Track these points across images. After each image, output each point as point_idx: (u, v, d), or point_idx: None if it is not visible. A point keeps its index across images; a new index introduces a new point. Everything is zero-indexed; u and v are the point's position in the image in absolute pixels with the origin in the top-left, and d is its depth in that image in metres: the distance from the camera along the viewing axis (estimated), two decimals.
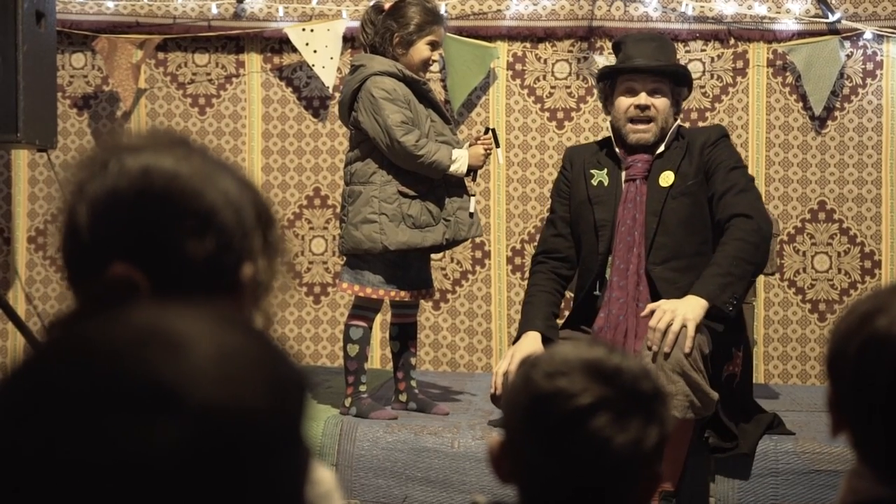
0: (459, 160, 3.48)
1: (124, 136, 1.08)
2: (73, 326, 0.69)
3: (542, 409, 1.22)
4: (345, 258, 3.62)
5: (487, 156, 3.54)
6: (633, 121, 3.30)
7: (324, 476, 1.18)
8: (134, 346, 0.65)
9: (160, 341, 0.65)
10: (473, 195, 3.63)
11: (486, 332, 4.68)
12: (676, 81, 3.34)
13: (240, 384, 0.65)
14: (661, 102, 3.29)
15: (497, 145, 3.56)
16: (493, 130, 3.58)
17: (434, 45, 3.56)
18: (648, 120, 3.29)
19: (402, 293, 3.55)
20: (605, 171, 3.37)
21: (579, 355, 1.25)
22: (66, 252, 1.06)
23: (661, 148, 3.34)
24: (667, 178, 3.28)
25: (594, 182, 3.37)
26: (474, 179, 3.64)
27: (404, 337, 3.66)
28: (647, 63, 3.31)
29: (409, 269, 3.55)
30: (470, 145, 3.55)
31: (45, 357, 0.67)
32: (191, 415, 0.63)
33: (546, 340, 3.18)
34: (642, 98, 3.29)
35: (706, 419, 3.16)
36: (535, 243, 4.69)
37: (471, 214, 3.57)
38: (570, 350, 1.27)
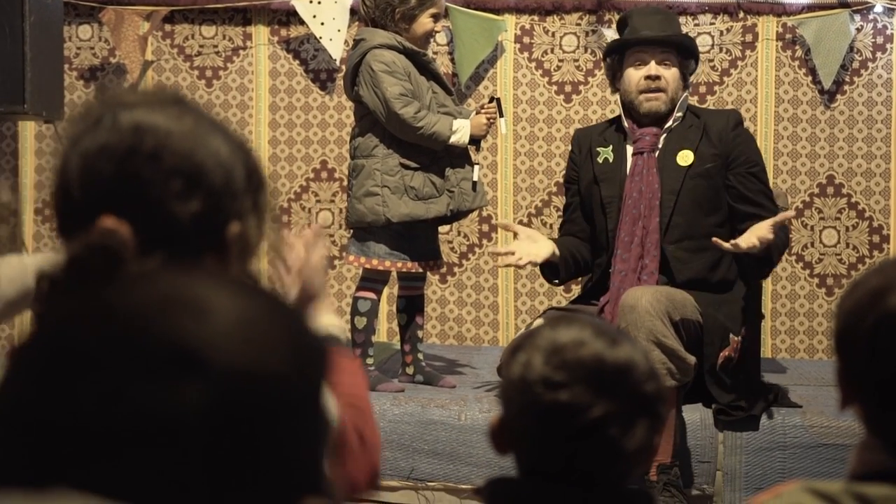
0: (461, 131, 3.47)
1: (121, 92, 1.09)
2: (92, 290, 0.69)
3: (545, 419, 1.19)
4: (351, 231, 3.63)
5: (490, 125, 3.52)
6: (643, 92, 3.31)
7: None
8: (158, 310, 0.66)
9: (184, 306, 0.66)
10: (477, 164, 3.62)
11: (492, 305, 4.68)
12: (683, 54, 3.35)
13: (262, 348, 0.66)
14: (670, 73, 3.31)
15: (501, 115, 3.54)
16: (498, 100, 3.56)
17: (436, 17, 3.55)
18: (658, 90, 3.31)
19: (410, 264, 3.54)
20: (611, 147, 3.38)
21: (578, 357, 1.20)
22: (57, 204, 1.07)
23: (670, 122, 3.34)
24: (685, 158, 3.30)
25: (600, 160, 3.40)
26: (478, 150, 3.63)
27: (411, 309, 3.67)
28: (655, 34, 3.33)
29: (415, 241, 3.55)
30: (476, 114, 3.53)
31: (68, 322, 0.67)
32: (215, 378, 0.64)
33: (551, 267, 3.36)
34: (652, 68, 3.31)
35: (687, 386, 3.14)
36: (543, 217, 4.69)
37: (474, 184, 3.57)
38: (569, 348, 1.21)
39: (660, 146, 3.34)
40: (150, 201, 1.03)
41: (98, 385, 0.63)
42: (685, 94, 3.38)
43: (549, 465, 1.21)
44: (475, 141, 3.54)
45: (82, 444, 0.62)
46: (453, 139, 3.47)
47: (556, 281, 3.49)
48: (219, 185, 1.05)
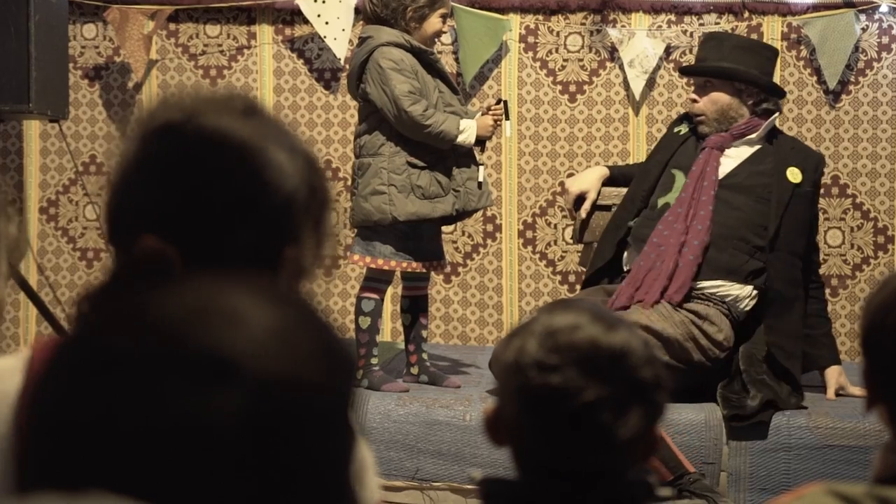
0: (467, 130, 3.47)
1: (189, 97, 1.05)
2: (129, 297, 0.69)
3: (537, 404, 1.18)
4: (356, 230, 3.62)
5: (496, 126, 3.53)
6: (693, 115, 3.67)
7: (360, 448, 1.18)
8: (194, 316, 0.66)
9: (219, 313, 0.66)
10: (482, 165, 3.63)
11: (496, 305, 4.68)
12: (734, 77, 3.58)
13: (296, 357, 0.66)
14: (709, 98, 3.59)
15: (507, 117, 3.56)
16: (505, 102, 3.57)
17: (445, 17, 3.55)
18: (696, 114, 3.62)
19: (414, 264, 3.54)
20: (691, 127, 3.68)
21: (571, 342, 1.18)
22: (109, 216, 1.04)
23: (752, 135, 3.59)
24: (795, 175, 3.56)
25: (676, 130, 3.73)
26: (483, 150, 3.64)
27: (415, 309, 3.66)
28: (688, 66, 3.83)
29: (420, 241, 3.55)
30: (482, 114, 3.53)
31: (104, 326, 0.68)
32: (248, 385, 0.64)
33: (610, 182, 3.79)
34: (692, 95, 3.66)
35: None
36: (547, 217, 4.69)
37: (480, 184, 3.57)
38: (564, 332, 1.19)
39: (729, 149, 3.58)
40: (203, 224, 0.99)
41: (134, 390, 0.64)
42: (747, 114, 3.59)
43: (542, 455, 1.19)
44: (480, 142, 3.54)
45: (118, 448, 0.63)
46: (460, 139, 3.47)
47: None
48: (278, 208, 1.01)
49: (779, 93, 3.70)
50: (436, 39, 3.62)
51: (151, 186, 1.01)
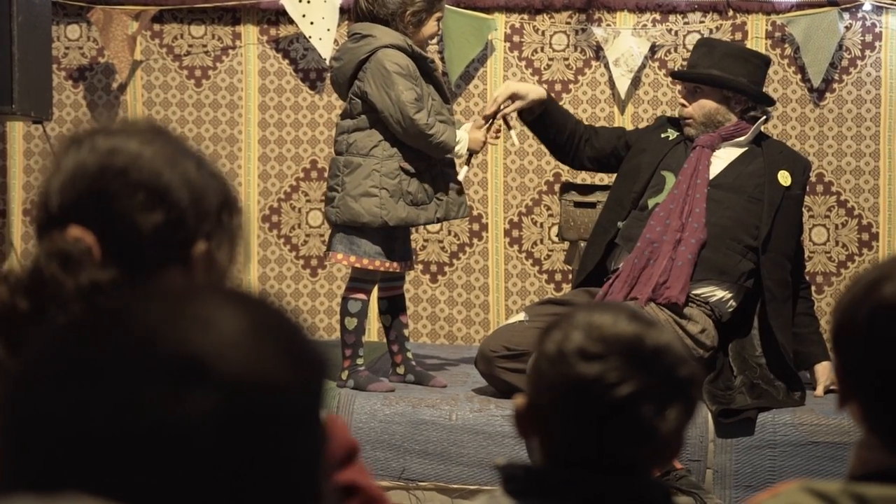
0: (462, 142, 3.49)
1: (105, 121, 1.20)
2: (104, 300, 0.73)
3: (578, 393, 1.20)
4: (335, 228, 3.59)
5: (485, 143, 3.54)
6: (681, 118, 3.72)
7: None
8: (166, 321, 0.67)
9: (190, 315, 0.68)
10: (467, 166, 3.62)
11: (483, 304, 4.68)
12: (722, 85, 3.62)
13: (267, 358, 0.68)
14: (698, 104, 3.63)
15: (509, 127, 3.58)
16: (504, 117, 3.58)
17: (440, 21, 3.55)
18: (684, 117, 3.67)
19: (395, 265, 3.55)
20: (679, 133, 3.70)
21: (617, 333, 1.20)
22: (37, 216, 1.17)
23: (741, 137, 3.63)
24: (785, 178, 3.59)
25: (662, 135, 3.73)
26: (470, 165, 3.68)
27: (395, 310, 3.66)
28: (678, 71, 3.95)
29: (396, 242, 3.56)
30: (477, 128, 3.53)
31: (76, 329, 0.69)
32: (220, 387, 0.65)
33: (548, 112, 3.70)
34: (680, 99, 3.71)
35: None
36: (533, 216, 4.69)
37: (460, 190, 3.57)
38: (608, 324, 1.21)
39: (719, 149, 3.61)
40: (114, 213, 1.13)
41: (109, 394, 0.65)
42: (734, 118, 3.63)
43: (577, 446, 1.20)
44: (469, 154, 3.55)
45: (94, 451, 0.64)
46: (458, 152, 3.49)
47: (540, 127, 3.74)
48: (185, 203, 1.14)
49: (768, 101, 3.72)
50: (429, 42, 3.62)
51: (73, 188, 1.15)
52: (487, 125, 3.55)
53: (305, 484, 0.68)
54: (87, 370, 0.66)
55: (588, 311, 1.25)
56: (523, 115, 3.68)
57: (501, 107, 3.58)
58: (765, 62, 3.77)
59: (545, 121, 3.69)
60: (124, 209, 1.12)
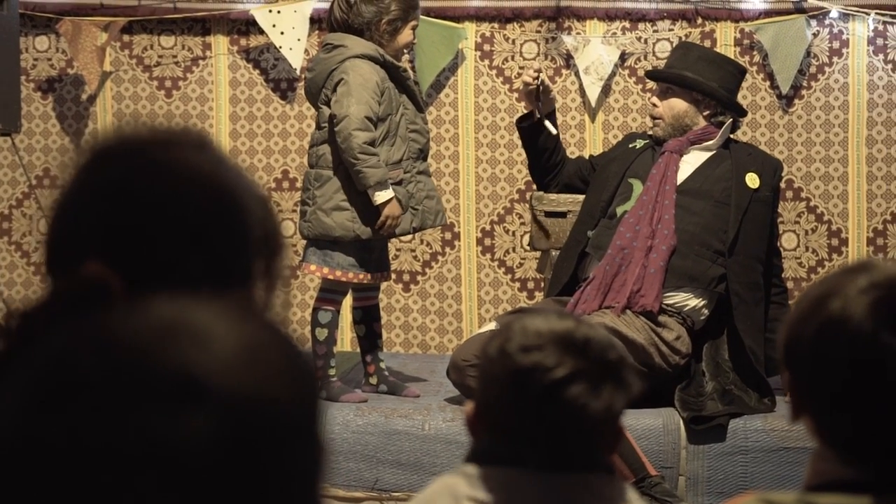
0: (383, 194, 3.39)
1: (140, 127, 1.04)
2: (95, 319, 0.69)
3: (520, 381, 1.35)
4: (309, 241, 3.58)
5: (391, 223, 3.44)
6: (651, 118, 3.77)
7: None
8: (160, 337, 0.65)
9: (185, 332, 0.66)
10: (400, 181, 3.50)
11: (456, 313, 4.68)
12: (687, 86, 3.66)
13: (263, 375, 0.66)
14: (668, 103, 3.67)
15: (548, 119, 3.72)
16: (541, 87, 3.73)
17: (415, 29, 3.55)
18: (653, 117, 3.72)
19: (368, 276, 3.54)
20: (647, 142, 3.74)
21: (550, 328, 1.37)
22: (50, 236, 1.01)
23: (710, 142, 3.66)
24: (753, 180, 3.61)
25: (630, 146, 3.78)
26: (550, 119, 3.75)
27: (369, 320, 3.66)
28: (652, 70, 4.02)
29: (372, 253, 3.55)
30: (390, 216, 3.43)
31: (68, 349, 0.67)
32: (218, 404, 0.63)
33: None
34: (653, 99, 3.75)
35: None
36: (506, 224, 4.70)
37: (436, 200, 3.58)
38: (542, 323, 1.38)
39: (687, 154, 3.63)
40: (148, 253, 0.96)
41: (103, 413, 0.63)
42: (702, 122, 3.66)
43: (523, 433, 1.36)
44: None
45: (87, 473, 0.62)
46: (374, 193, 3.38)
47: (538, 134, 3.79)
48: (227, 246, 0.98)
49: (738, 110, 3.74)
50: (405, 52, 3.61)
51: (99, 213, 0.97)
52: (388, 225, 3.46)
53: (305, 500, 0.67)
54: (79, 393, 0.64)
55: (522, 318, 1.41)
56: (544, 104, 3.77)
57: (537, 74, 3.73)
58: (739, 71, 3.80)
59: (548, 132, 3.77)
60: (160, 251, 0.95)
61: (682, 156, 3.62)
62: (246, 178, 1.02)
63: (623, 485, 1.44)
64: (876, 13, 4.44)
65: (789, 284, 4.57)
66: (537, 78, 3.71)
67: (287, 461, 0.66)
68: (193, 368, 0.64)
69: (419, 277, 4.69)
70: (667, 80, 3.69)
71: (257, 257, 1.00)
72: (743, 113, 3.81)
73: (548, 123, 3.74)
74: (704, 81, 3.63)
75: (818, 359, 1.11)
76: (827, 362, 1.10)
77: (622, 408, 1.37)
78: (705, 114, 3.66)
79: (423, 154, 3.60)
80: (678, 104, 3.66)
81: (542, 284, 4.12)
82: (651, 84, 4.45)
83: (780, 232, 4.53)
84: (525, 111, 3.88)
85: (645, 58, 4.58)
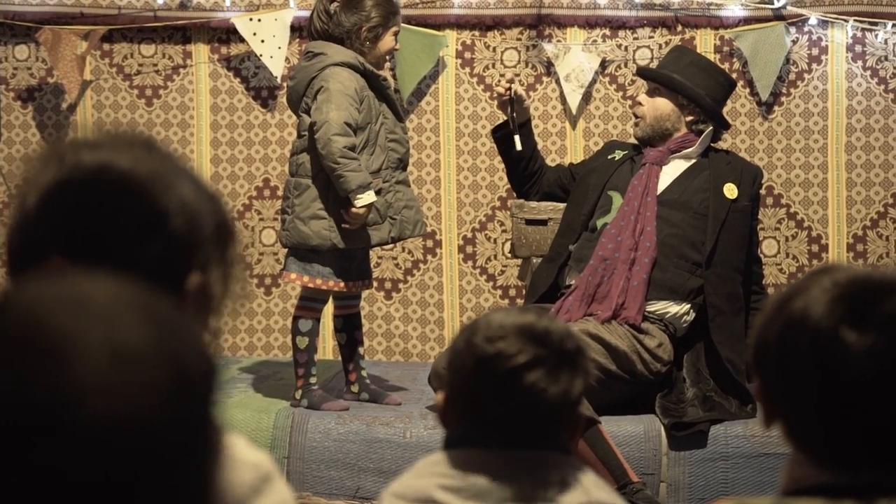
0: (364, 199, 3.36)
1: (85, 133, 1.06)
2: None
3: (485, 367, 1.48)
4: (289, 250, 3.57)
5: (364, 225, 3.43)
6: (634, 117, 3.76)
7: (259, 459, 1.12)
8: (11, 351, 0.56)
9: (42, 345, 0.56)
10: (378, 190, 3.47)
11: (438, 321, 4.68)
12: (676, 89, 3.66)
13: (135, 393, 0.57)
14: (653, 103, 3.68)
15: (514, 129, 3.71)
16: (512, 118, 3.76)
17: (397, 35, 3.55)
18: (635, 115, 3.74)
19: (349, 284, 3.53)
20: (626, 152, 3.74)
21: (513, 321, 1.50)
22: (10, 241, 1.03)
23: (688, 149, 3.67)
24: (731, 191, 3.61)
25: (609, 157, 3.77)
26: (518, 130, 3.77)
27: (350, 328, 3.65)
28: (643, 68, 4.00)
29: (353, 261, 3.55)
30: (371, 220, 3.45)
31: None
32: (75, 435, 0.55)
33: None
34: (639, 97, 3.76)
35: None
36: (487, 231, 4.70)
37: (416, 209, 3.59)
38: (505, 317, 1.51)
39: (666, 165, 3.63)
40: (105, 242, 0.99)
41: None
42: (683, 128, 3.67)
43: (486, 419, 1.48)
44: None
45: None
46: (355, 197, 3.35)
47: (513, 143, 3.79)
48: (180, 232, 1.00)
49: (721, 121, 3.74)
50: (386, 60, 3.62)
51: (56, 211, 1.01)
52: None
53: None
54: None
55: (486, 315, 1.55)
56: (518, 115, 3.79)
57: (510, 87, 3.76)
58: (729, 83, 3.81)
59: (528, 140, 3.80)
60: (116, 239, 0.98)
61: (661, 167, 3.63)
62: (195, 175, 1.08)
63: (580, 464, 1.53)
64: (854, 20, 4.47)
65: (770, 291, 4.59)
66: (509, 89, 3.71)
67: (163, 486, 0.56)
68: (46, 393, 0.55)
69: (401, 285, 4.69)
70: (654, 80, 3.71)
71: (210, 246, 1.03)
72: (726, 125, 3.82)
73: (516, 138, 3.71)
74: (692, 87, 3.63)
75: (783, 359, 1.11)
76: (791, 362, 1.10)
77: (579, 393, 1.49)
78: (688, 119, 3.67)
79: (402, 164, 3.59)
80: (663, 105, 3.67)
81: (524, 292, 4.12)
82: (631, 91, 4.48)
83: (761, 239, 4.54)
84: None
85: (625, 65, 4.59)
